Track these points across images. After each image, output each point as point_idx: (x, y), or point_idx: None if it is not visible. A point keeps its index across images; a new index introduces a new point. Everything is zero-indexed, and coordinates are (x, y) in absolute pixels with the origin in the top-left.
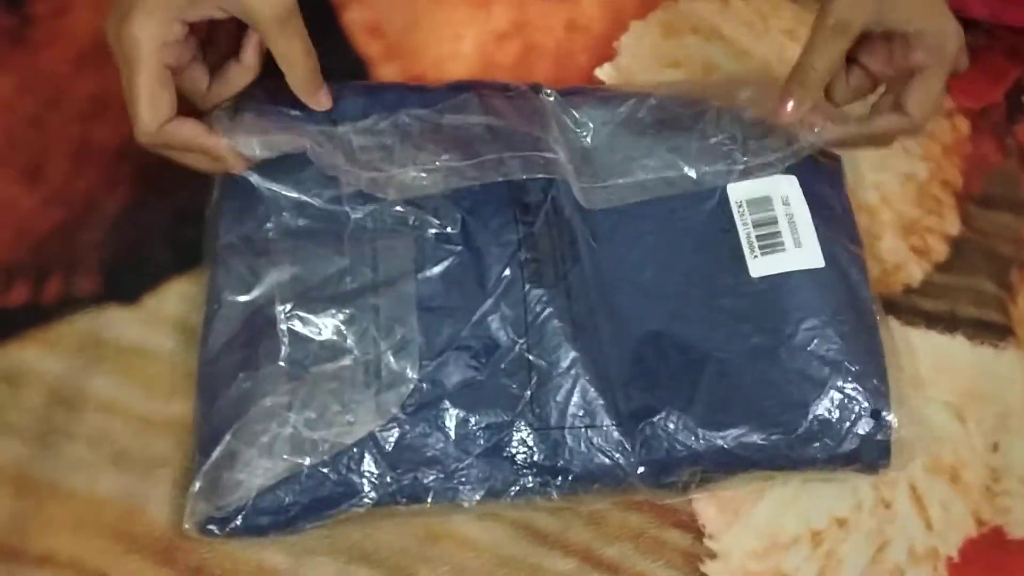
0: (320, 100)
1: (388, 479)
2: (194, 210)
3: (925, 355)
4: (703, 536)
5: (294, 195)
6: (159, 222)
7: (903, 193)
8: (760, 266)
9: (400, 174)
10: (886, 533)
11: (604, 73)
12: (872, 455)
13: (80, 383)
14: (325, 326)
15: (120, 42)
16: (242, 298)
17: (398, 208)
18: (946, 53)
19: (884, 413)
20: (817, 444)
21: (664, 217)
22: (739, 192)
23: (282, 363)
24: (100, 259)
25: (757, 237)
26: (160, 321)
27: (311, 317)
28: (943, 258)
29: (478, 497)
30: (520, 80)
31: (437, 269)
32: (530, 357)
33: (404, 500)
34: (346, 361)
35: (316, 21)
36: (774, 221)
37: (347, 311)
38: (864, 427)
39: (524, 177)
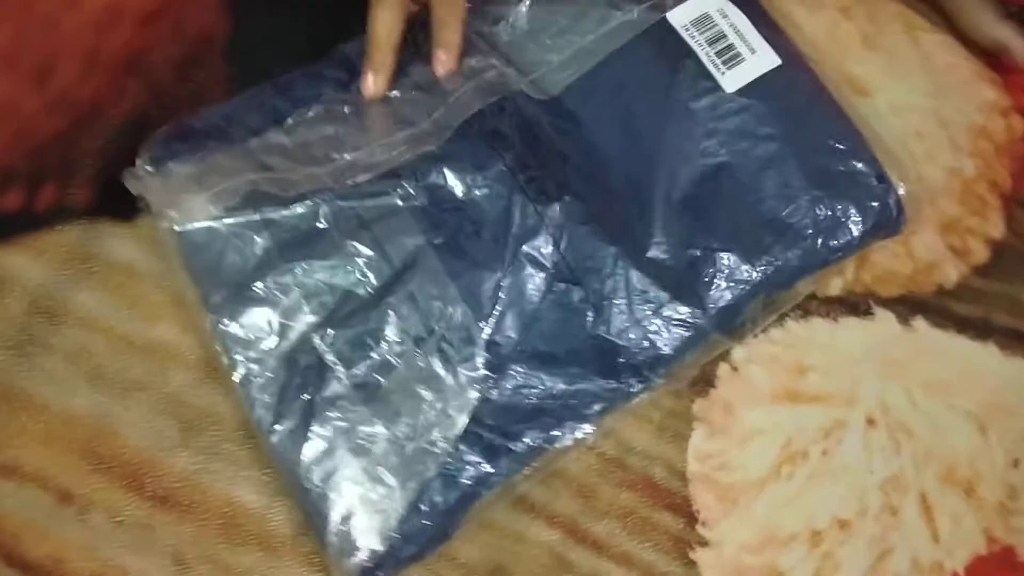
0: (450, 63)
1: (508, 447)
2: None
3: (952, 361)
4: (696, 522)
5: (256, 217)
6: None
7: (947, 188)
8: (731, 81)
9: (362, 157)
10: (890, 540)
11: None
12: (890, 216)
13: (64, 295)
14: (372, 337)
15: None
16: (266, 347)
17: (373, 187)
18: None
19: (886, 176)
20: (849, 225)
21: (623, 72)
22: (680, 17)
23: (345, 391)
24: (98, 171)
25: (716, 54)
26: (153, 242)
27: (352, 331)
28: (982, 261)
29: (596, 413)
30: None
31: (447, 230)
32: (576, 274)
33: (530, 461)
34: (410, 360)
35: None
36: (723, 35)
37: (385, 312)
38: (879, 194)
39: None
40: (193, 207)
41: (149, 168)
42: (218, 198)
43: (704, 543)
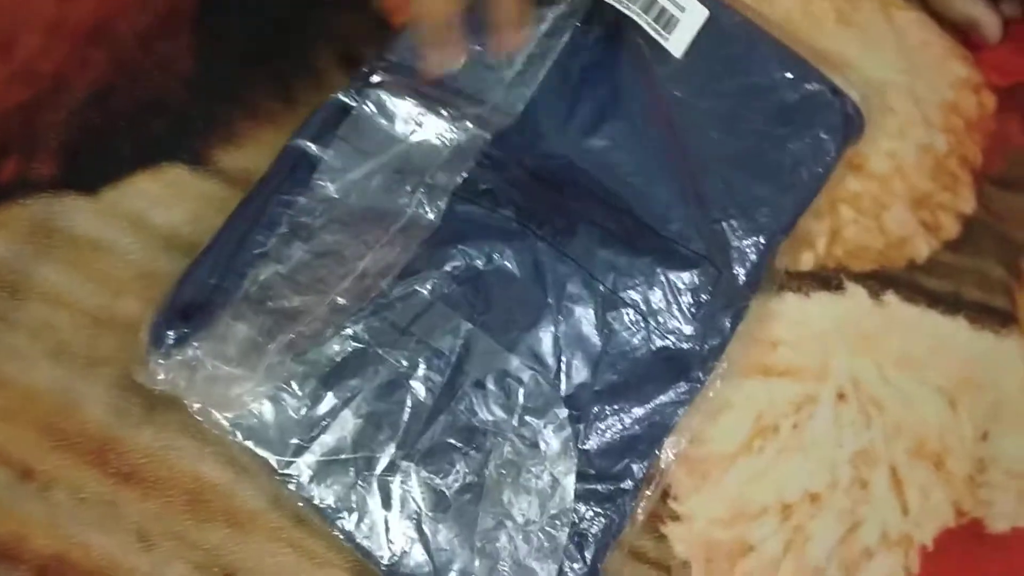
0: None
1: (620, 487)
2: (163, 103)
3: (922, 335)
4: (667, 496)
5: (298, 369)
6: (126, 111)
7: (918, 165)
8: (676, 44)
9: (369, 265)
10: (859, 513)
11: None
12: (853, 124)
13: (27, 269)
14: (456, 439)
15: None
16: (357, 498)
17: (396, 292)
18: None
19: (838, 88)
20: (824, 147)
21: (578, 67)
22: None
23: (451, 500)
24: (61, 143)
25: (654, 20)
26: (118, 215)
27: (433, 442)
28: (953, 236)
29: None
30: None
31: (485, 306)
32: (620, 296)
33: (642, 489)
34: (499, 446)
35: None
36: (652, 1)
37: (457, 411)
38: (839, 107)
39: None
40: (237, 399)
41: (165, 361)
42: (265, 378)
43: (675, 517)
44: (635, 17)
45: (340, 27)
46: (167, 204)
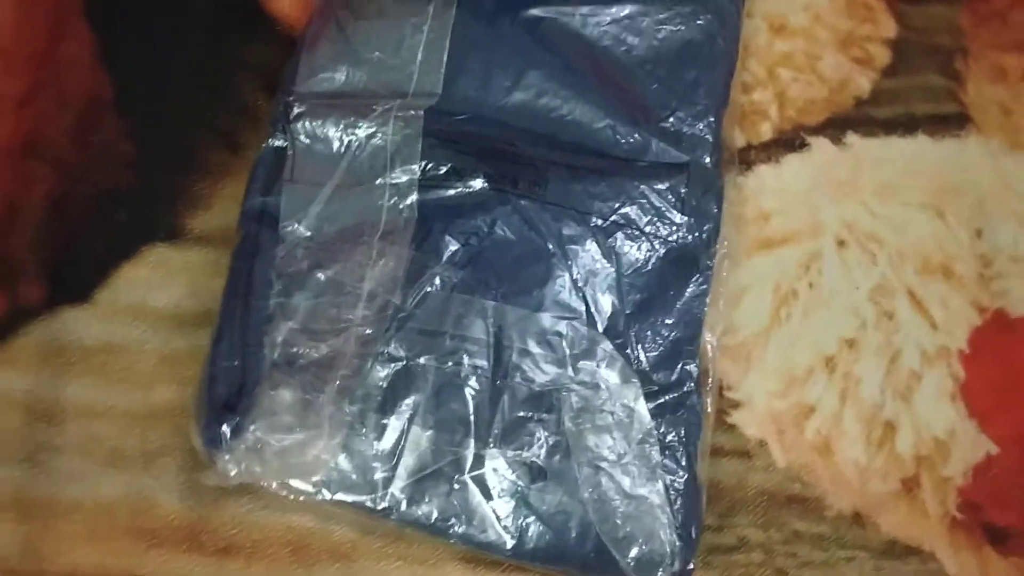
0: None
1: (684, 393)
2: (118, 192)
3: (893, 163)
4: (723, 390)
5: (353, 408)
6: (87, 212)
7: (832, 7)
8: None
9: (377, 287)
10: (895, 343)
11: None
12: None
13: (54, 394)
14: (526, 409)
15: None
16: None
17: (410, 297)
18: None
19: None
20: (726, 12)
21: (475, 31)
22: None
23: (544, 460)
24: (39, 264)
25: None
26: (118, 312)
27: (509, 418)
28: (887, 63)
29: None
30: None
31: (498, 279)
32: (615, 221)
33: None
34: (568, 400)
35: None
36: None
37: (513, 383)
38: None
39: None
40: (316, 461)
41: (231, 456)
42: (332, 429)
43: (736, 405)
44: None
45: (255, 57)
46: (160, 285)
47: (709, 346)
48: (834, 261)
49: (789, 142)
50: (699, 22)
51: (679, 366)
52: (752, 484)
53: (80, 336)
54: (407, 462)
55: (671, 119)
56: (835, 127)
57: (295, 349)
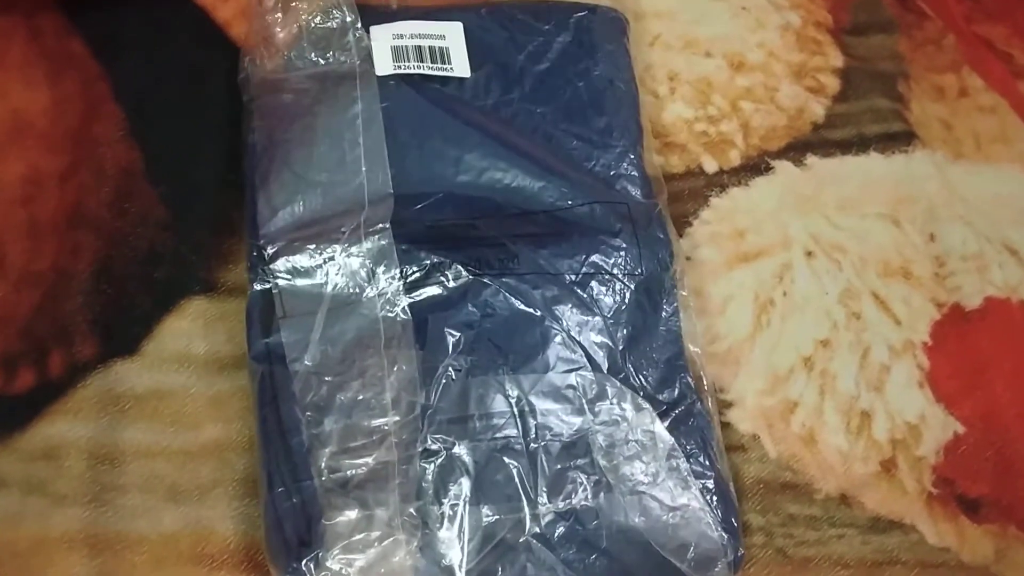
0: None
1: (694, 400)
2: (157, 253)
3: (850, 179)
4: (717, 392)
5: (410, 511)
6: (130, 273)
7: (784, 43)
8: (460, 66)
9: (401, 379)
10: (864, 340)
11: None
12: (619, 19)
13: (113, 439)
14: (563, 463)
15: None
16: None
17: (424, 385)
18: None
19: (588, 3)
20: (616, 56)
21: (404, 122)
22: (383, 63)
23: (585, 500)
24: (89, 323)
25: (431, 62)
26: (165, 361)
27: (550, 476)
28: (837, 90)
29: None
30: None
31: (506, 352)
32: (579, 274)
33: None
34: (584, 442)
35: None
36: (419, 49)
37: (543, 449)
38: (603, 14)
39: None
40: (402, 567)
41: (338, 557)
42: (408, 534)
43: (729, 404)
44: (416, 71)
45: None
46: (201, 334)
47: (695, 354)
48: (804, 270)
49: (756, 166)
50: (596, 73)
51: (677, 381)
52: (748, 474)
53: (132, 385)
54: (473, 544)
55: (596, 166)
56: (796, 150)
57: (342, 473)
